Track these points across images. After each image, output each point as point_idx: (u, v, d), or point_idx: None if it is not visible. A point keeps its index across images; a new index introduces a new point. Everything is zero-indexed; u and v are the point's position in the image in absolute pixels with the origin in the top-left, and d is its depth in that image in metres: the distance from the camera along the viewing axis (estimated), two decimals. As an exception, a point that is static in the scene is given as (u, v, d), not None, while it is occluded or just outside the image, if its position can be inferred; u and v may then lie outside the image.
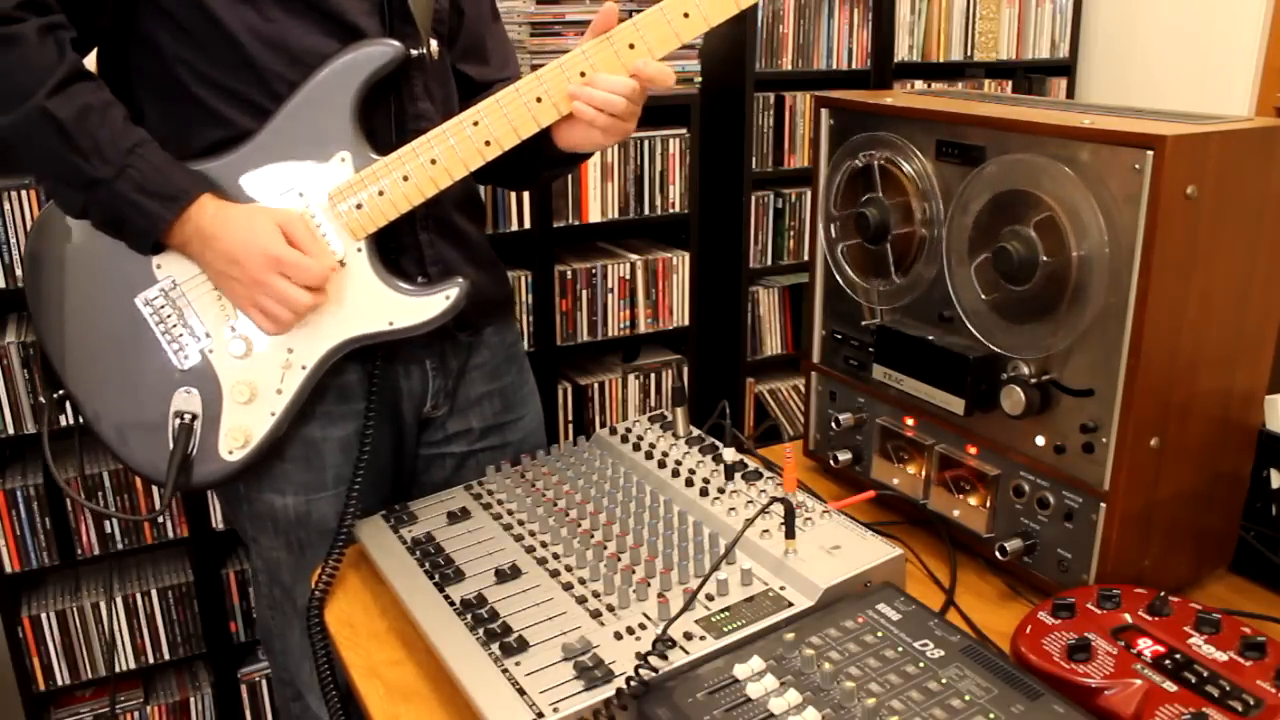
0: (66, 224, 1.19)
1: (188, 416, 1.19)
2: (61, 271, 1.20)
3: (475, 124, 1.17)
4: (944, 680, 0.79)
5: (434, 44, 1.25)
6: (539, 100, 1.17)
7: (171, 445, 1.20)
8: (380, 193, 1.17)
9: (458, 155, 1.17)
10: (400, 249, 1.25)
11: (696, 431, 1.24)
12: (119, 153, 1.10)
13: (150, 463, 1.22)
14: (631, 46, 1.16)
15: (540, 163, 1.33)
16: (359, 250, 1.19)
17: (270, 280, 1.13)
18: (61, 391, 1.22)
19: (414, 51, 1.21)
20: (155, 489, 2.15)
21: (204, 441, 1.20)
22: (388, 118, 1.22)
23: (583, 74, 1.16)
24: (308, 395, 1.21)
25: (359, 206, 1.17)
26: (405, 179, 1.17)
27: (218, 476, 1.22)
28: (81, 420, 1.23)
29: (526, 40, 2.45)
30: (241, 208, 1.15)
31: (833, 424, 1.26)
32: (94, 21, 1.15)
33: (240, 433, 1.20)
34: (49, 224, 1.20)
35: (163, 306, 1.19)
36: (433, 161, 1.17)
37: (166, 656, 2.25)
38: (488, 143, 1.17)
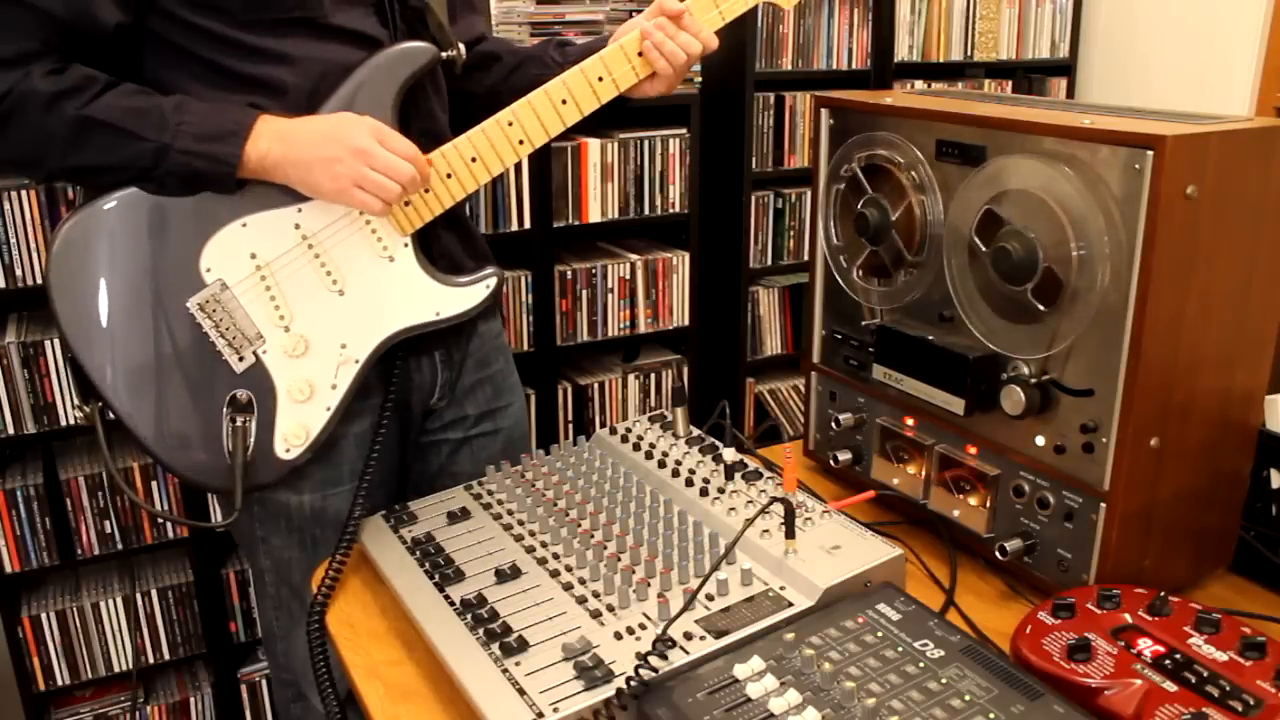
0: (101, 234, 1.18)
1: (240, 419, 1.20)
2: (101, 281, 1.18)
3: (510, 124, 1.23)
4: (944, 680, 0.79)
5: (462, 48, 1.30)
6: (564, 102, 1.24)
7: (230, 448, 1.21)
8: (426, 189, 1.22)
9: (496, 153, 1.24)
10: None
11: (696, 431, 1.24)
12: (164, 116, 1.12)
13: (201, 470, 1.22)
14: (640, 54, 1.26)
15: None
16: (406, 245, 1.23)
17: (374, 148, 1.13)
18: (101, 403, 1.21)
19: (444, 55, 1.26)
20: (156, 488, 2.15)
21: (259, 442, 1.22)
22: (404, 117, 1.25)
23: (600, 79, 1.25)
24: (356, 388, 1.24)
25: (407, 203, 1.21)
26: (449, 176, 1.23)
27: (274, 475, 1.24)
28: (128, 428, 1.22)
29: (527, 40, 2.45)
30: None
31: (833, 424, 1.26)
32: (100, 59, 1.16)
33: (300, 430, 1.22)
34: (80, 235, 1.17)
35: (215, 310, 1.19)
36: (473, 159, 1.23)
37: (166, 656, 2.25)
38: (521, 141, 1.24)
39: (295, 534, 1.29)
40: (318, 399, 1.22)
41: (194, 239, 1.18)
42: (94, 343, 1.19)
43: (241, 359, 1.20)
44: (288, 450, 1.22)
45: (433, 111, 1.30)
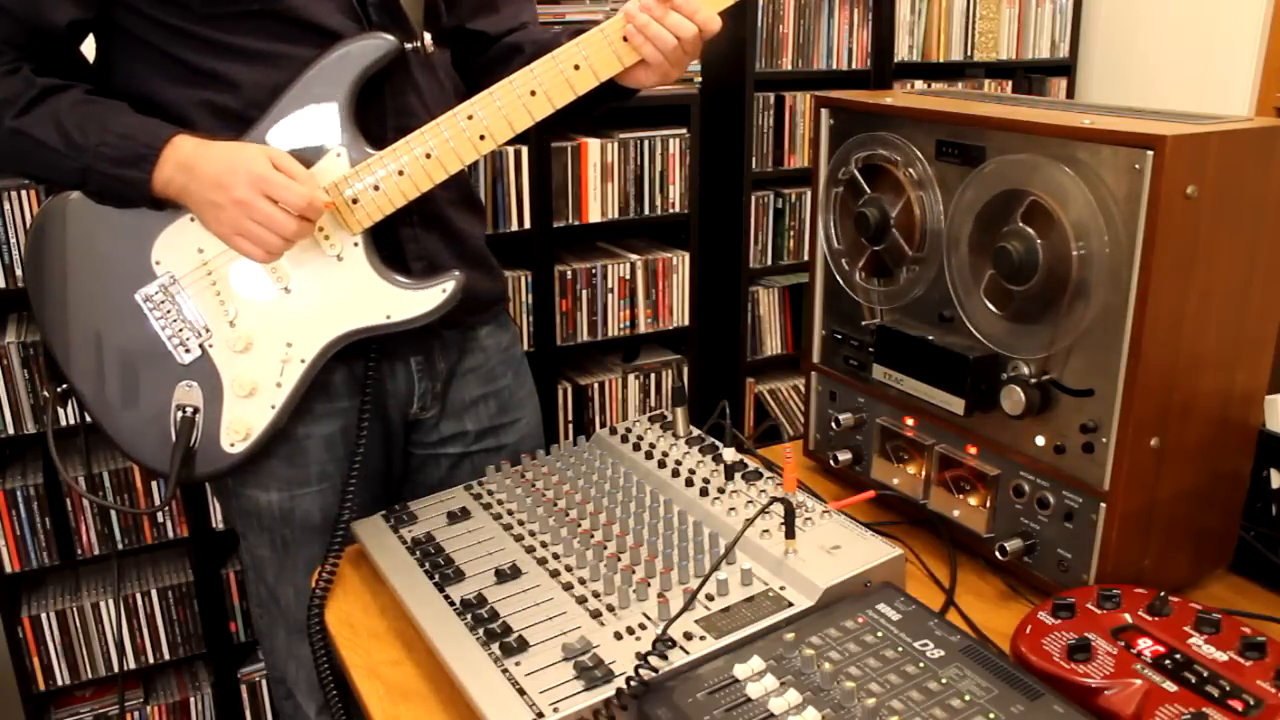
0: (66, 223, 1.20)
1: (189, 410, 1.21)
2: (63, 269, 1.21)
3: (470, 118, 1.17)
4: (944, 680, 0.79)
5: (428, 38, 1.25)
6: (533, 94, 1.17)
7: (174, 438, 1.21)
8: (376, 187, 1.17)
9: (452, 149, 1.18)
10: (385, 243, 1.25)
11: (696, 431, 1.24)
12: (86, 137, 1.13)
13: (153, 456, 1.23)
14: (625, 39, 1.17)
15: (594, 101, 1.26)
16: (356, 244, 1.20)
17: (255, 201, 1.10)
18: (65, 386, 1.23)
19: (408, 46, 1.21)
20: (155, 487, 2.15)
21: (206, 434, 1.21)
22: (377, 113, 1.22)
23: (576, 67, 1.16)
24: (306, 389, 1.22)
25: (355, 201, 1.18)
26: (401, 173, 1.17)
27: (219, 469, 1.23)
28: (87, 416, 1.24)
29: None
30: (228, 143, 1.15)
31: (833, 424, 1.26)
32: (58, 62, 1.18)
33: (242, 425, 1.21)
34: (49, 223, 1.21)
35: (162, 302, 1.19)
36: (428, 155, 1.17)
37: (166, 656, 2.25)
38: (482, 136, 1.18)
39: (265, 533, 1.29)
40: (261, 396, 1.21)
41: (147, 231, 1.19)
42: (56, 327, 1.22)
43: (188, 351, 1.20)
44: (232, 445, 1.22)
45: (410, 107, 1.23)
